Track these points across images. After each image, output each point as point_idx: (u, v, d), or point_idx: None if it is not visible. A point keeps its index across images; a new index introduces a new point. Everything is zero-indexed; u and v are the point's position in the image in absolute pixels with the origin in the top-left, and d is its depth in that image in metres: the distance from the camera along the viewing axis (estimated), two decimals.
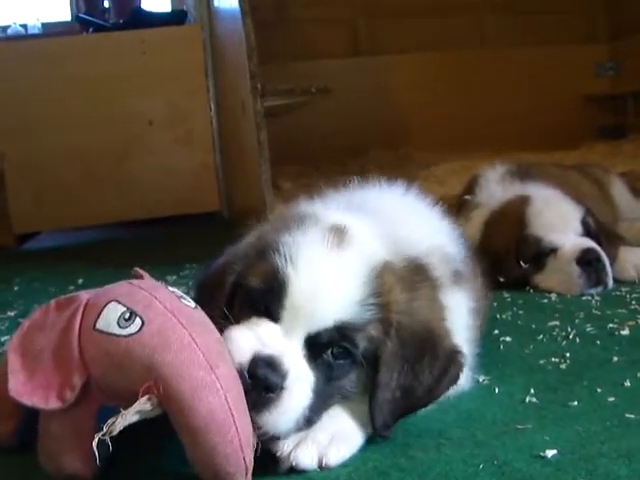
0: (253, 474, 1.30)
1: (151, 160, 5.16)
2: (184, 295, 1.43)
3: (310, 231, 1.47)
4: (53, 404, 1.32)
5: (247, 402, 1.30)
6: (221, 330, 1.41)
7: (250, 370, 1.32)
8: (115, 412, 1.26)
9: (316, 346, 1.40)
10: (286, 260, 1.42)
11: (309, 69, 6.15)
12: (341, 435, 1.43)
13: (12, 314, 2.91)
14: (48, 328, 1.43)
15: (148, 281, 1.49)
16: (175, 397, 1.24)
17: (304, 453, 1.36)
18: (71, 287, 3.37)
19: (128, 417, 1.24)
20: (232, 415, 1.25)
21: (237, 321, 1.44)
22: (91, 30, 5.65)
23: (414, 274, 1.54)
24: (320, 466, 1.37)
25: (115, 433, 1.23)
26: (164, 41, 5.15)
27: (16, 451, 1.52)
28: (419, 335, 1.47)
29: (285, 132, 5.41)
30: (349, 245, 1.46)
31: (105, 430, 1.23)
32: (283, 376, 1.33)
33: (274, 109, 4.11)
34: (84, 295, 1.43)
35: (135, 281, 1.48)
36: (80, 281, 3.47)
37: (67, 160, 5.03)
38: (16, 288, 3.51)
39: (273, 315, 1.41)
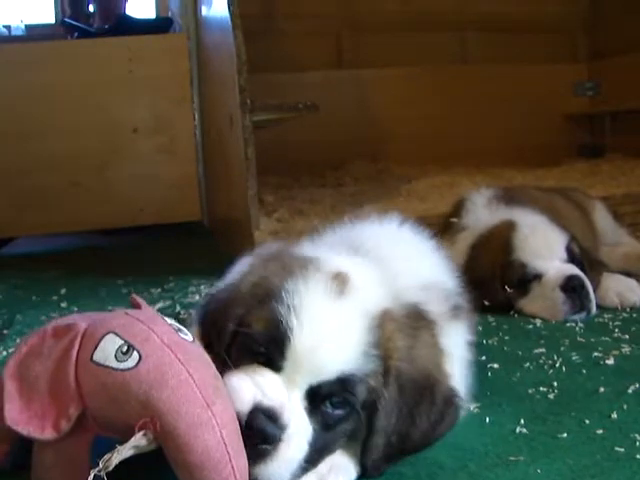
0: None
1: (134, 168, 5.14)
2: (181, 327, 1.44)
3: (312, 279, 1.46)
4: (48, 434, 1.33)
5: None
6: (220, 372, 1.40)
7: (249, 421, 1.32)
8: (110, 444, 1.26)
9: (316, 397, 1.39)
10: (289, 310, 1.40)
11: (291, 81, 6.18)
12: (339, 466, 1.45)
13: None
14: (44, 355, 1.43)
15: (146, 312, 1.49)
16: (172, 434, 1.25)
17: None
18: (54, 297, 3.36)
19: (124, 452, 1.24)
20: (228, 453, 1.25)
21: (236, 365, 1.43)
22: (76, 35, 5.63)
23: (413, 320, 1.54)
24: None
25: (111, 469, 1.23)
26: (150, 49, 5.14)
27: (9, 474, 1.51)
28: (418, 382, 1.48)
29: (264, 144, 5.40)
30: (350, 294, 1.45)
31: (101, 466, 1.23)
32: (282, 428, 1.33)
33: (258, 123, 4.12)
34: (81, 324, 1.43)
35: (132, 312, 1.47)
36: (63, 291, 3.45)
37: (49, 166, 4.98)
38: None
39: (274, 364, 1.40)
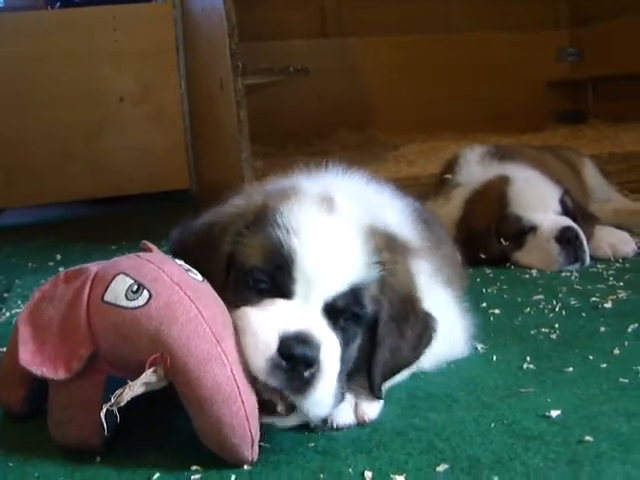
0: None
1: (121, 137, 5.11)
2: (191, 268, 1.44)
3: (304, 201, 1.46)
4: (61, 374, 1.34)
5: (288, 389, 1.27)
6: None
7: (283, 352, 1.27)
8: (123, 383, 1.28)
9: (333, 313, 1.38)
10: (287, 232, 1.38)
11: (276, 49, 6.14)
12: (363, 394, 1.47)
13: None
14: (57, 299, 1.44)
15: (156, 254, 1.50)
16: (181, 369, 1.26)
17: (341, 413, 1.40)
18: (50, 263, 3.36)
19: (135, 389, 1.26)
20: (238, 387, 1.26)
21: (238, 299, 1.40)
22: (58, 5, 5.56)
23: (392, 240, 1.57)
24: (360, 422, 1.42)
25: (122, 404, 1.25)
26: (135, 18, 5.10)
27: (26, 419, 1.53)
28: (402, 295, 1.52)
29: (250, 112, 5.41)
30: (340, 212, 1.47)
31: (113, 401, 1.25)
32: (317, 348, 1.30)
33: (249, 87, 4.11)
34: (92, 267, 1.44)
35: (143, 254, 1.48)
36: (58, 257, 3.46)
37: (37, 137, 4.94)
38: None
39: (284, 291, 1.38)
